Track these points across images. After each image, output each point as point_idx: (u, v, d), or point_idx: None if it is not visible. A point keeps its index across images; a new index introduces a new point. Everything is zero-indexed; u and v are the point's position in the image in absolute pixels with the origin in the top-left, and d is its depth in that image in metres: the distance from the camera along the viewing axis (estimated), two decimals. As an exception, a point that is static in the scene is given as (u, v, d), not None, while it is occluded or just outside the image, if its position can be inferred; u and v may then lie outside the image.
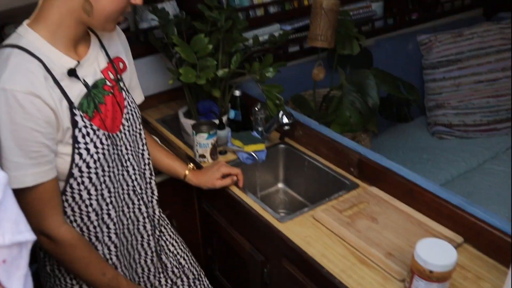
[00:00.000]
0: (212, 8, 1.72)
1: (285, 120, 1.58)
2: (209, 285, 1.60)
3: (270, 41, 1.86)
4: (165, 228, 1.46)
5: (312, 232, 1.32)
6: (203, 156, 1.64)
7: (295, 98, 1.94)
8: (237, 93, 1.75)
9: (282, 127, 1.61)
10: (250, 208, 1.43)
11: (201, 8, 1.72)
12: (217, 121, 1.70)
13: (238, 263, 1.63)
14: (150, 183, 1.35)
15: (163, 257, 1.43)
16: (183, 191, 1.72)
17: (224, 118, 1.76)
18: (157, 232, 1.40)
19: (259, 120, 1.70)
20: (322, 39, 1.76)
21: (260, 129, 1.70)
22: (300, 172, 1.69)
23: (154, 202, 1.37)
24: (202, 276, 1.57)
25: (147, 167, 1.32)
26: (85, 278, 1.19)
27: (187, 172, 1.51)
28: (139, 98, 1.39)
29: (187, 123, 1.74)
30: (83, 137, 1.08)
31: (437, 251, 1.04)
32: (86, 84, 1.11)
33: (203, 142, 1.61)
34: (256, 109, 1.69)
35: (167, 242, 1.46)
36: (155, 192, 1.37)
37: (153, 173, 1.34)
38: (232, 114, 1.77)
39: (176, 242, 1.48)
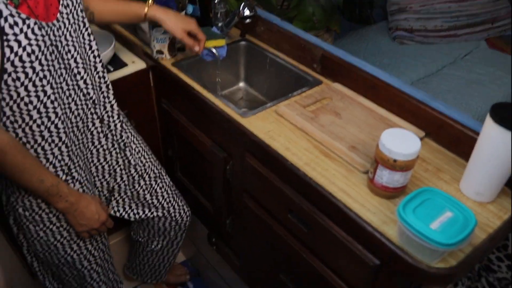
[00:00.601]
0: None
1: (247, 12, 1.51)
2: (170, 183, 1.58)
3: None
4: (125, 124, 1.40)
5: (275, 127, 1.29)
6: (160, 52, 1.56)
7: (256, -6, 1.85)
8: (196, -15, 1.64)
9: (244, 21, 1.54)
10: (212, 105, 1.38)
11: None
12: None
13: (200, 162, 1.61)
14: (104, 77, 1.27)
15: (128, 152, 1.39)
16: (140, 90, 1.65)
17: (182, 14, 1.65)
18: (118, 127, 1.34)
19: (218, 15, 1.62)
20: None
21: (220, 24, 1.61)
22: (262, 69, 1.64)
23: (111, 97, 1.30)
24: (163, 174, 1.55)
25: (97, 59, 1.23)
26: (22, 185, 1.12)
27: (146, 9, 1.38)
28: None
29: (142, 17, 1.62)
30: (11, 27, 0.96)
31: (401, 141, 1.04)
32: None
33: (160, 36, 1.52)
34: (216, 2, 1.60)
35: (129, 139, 1.41)
36: (110, 87, 1.29)
37: (104, 67, 1.26)
38: (190, 9, 1.67)
39: (136, 139, 1.43)
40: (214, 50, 1.53)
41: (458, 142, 1.20)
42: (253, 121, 1.31)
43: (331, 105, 1.36)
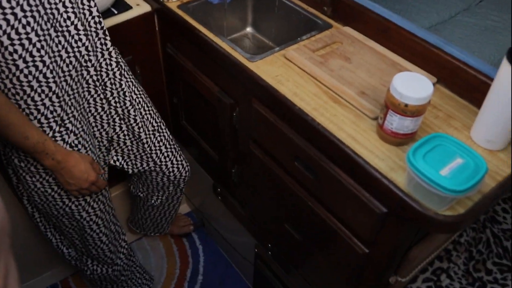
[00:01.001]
0: None
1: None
2: (170, 136, 1.56)
3: None
4: (127, 73, 1.37)
5: (283, 71, 1.26)
6: (165, -7, 1.50)
7: None
8: None
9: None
10: (218, 48, 1.34)
11: None
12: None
13: (206, 109, 1.58)
14: (100, 23, 1.22)
15: (128, 102, 1.36)
16: (145, 34, 1.61)
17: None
18: (117, 76, 1.31)
19: (226, -45, 1.55)
20: None
21: (227, -36, 1.55)
22: (270, 13, 1.59)
23: (108, 43, 1.26)
24: (163, 127, 1.52)
25: (92, 3, 1.18)
26: (8, 140, 1.10)
27: None
28: None
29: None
30: (8, 1, 0.94)
31: (413, 85, 1.01)
32: None
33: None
34: None
35: (130, 89, 1.38)
36: (107, 33, 1.25)
37: (99, 12, 1.21)
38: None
39: (137, 89, 1.41)
40: (220, -8, 1.49)
41: (471, 89, 1.17)
42: (261, 65, 1.28)
43: (341, 49, 1.33)
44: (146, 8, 1.56)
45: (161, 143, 1.52)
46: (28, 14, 0.99)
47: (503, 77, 0.96)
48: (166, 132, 1.54)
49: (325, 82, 1.22)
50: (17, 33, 0.99)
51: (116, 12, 1.53)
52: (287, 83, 1.22)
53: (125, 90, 1.35)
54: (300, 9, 1.49)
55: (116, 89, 1.33)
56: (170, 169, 1.59)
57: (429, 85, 1.00)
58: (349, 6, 1.38)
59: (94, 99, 1.30)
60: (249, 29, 1.69)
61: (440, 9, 2.19)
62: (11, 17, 0.97)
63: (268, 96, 1.22)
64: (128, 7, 1.55)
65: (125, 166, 1.53)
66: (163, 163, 1.56)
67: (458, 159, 0.94)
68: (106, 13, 1.51)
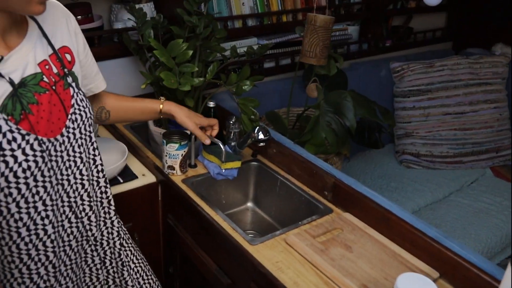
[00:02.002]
0: (192, 13, 1.65)
1: (261, 136, 1.52)
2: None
3: (248, 53, 1.79)
4: (126, 242, 1.35)
5: (284, 257, 1.25)
6: (172, 167, 1.55)
7: (269, 114, 1.88)
8: (211, 104, 1.67)
9: (257, 144, 1.55)
10: (219, 227, 1.34)
11: (180, 12, 1.65)
12: (189, 132, 1.61)
13: (202, 285, 1.53)
14: (106, 192, 1.22)
15: (125, 272, 1.32)
16: (148, 203, 1.62)
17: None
18: (117, 245, 1.29)
19: (232, 134, 1.63)
20: (310, 56, 1.72)
21: (232, 144, 1.63)
22: (272, 192, 1.63)
23: (112, 213, 1.26)
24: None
25: (100, 174, 1.19)
26: None
27: (161, 105, 1.42)
28: (102, 84, 1.30)
29: (157, 132, 1.65)
30: (9, 143, 0.92)
31: (418, 287, 0.99)
32: (11, 82, 0.95)
33: (173, 152, 1.53)
34: (231, 122, 1.62)
35: (129, 258, 1.35)
36: (112, 202, 1.25)
37: (107, 182, 1.22)
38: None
39: (136, 258, 1.38)
40: (226, 172, 1.54)
41: (474, 286, 1.15)
42: (261, 249, 1.27)
43: (342, 236, 1.33)
44: (151, 179, 1.60)
45: None
46: (40, 184, 0.99)
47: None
48: None
49: (326, 272, 1.20)
50: (27, 201, 0.97)
51: (121, 180, 1.56)
52: (288, 270, 1.20)
53: (123, 260, 1.31)
54: (301, 191, 1.53)
55: (115, 258, 1.29)
56: None
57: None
58: (349, 193, 1.41)
59: (90, 269, 1.25)
60: (250, 204, 1.71)
61: (433, 188, 2.26)
62: (23, 187, 0.95)
63: (268, 283, 1.19)
64: (134, 177, 1.59)
65: None
66: None
67: None
68: (112, 181, 1.53)
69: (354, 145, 2.17)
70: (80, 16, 1.68)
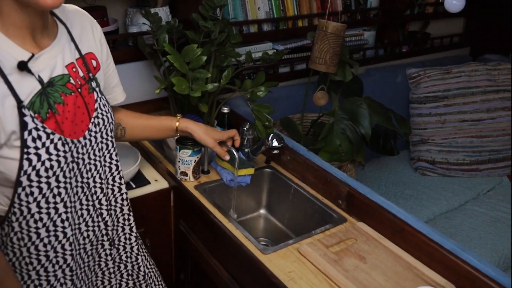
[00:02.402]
0: (207, 18, 1.65)
1: (275, 143, 1.50)
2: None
3: (263, 59, 1.78)
4: (140, 247, 1.35)
5: (297, 267, 1.23)
6: (184, 173, 1.54)
7: (283, 121, 1.86)
8: (225, 109, 1.67)
9: (271, 151, 1.53)
10: (231, 235, 1.33)
11: (195, 17, 1.64)
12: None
13: (213, 292, 1.53)
14: (127, 199, 1.23)
15: (141, 277, 1.32)
16: (160, 209, 1.62)
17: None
18: (134, 250, 1.29)
19: (245, 141, 1.62)
20: (320, 62, 1.70)
21: (246, 150, 1.61)
22: (285, 199, 1.61)
23: (131, 219, 1.26)
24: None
25: (122, 180, 1.20)
26: None
27: (177, 122, 1.41)
28: (121, 96, 1.30)
29: (170, 137, 1.64)
30: (34, 140, 0.93)
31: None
32: (40, 80, 0.97)
33: (186, 158, 1.52)
34: (245, 129, 1.61)
35: (143, 263, 1.35)
36: (131, 209, 1.26)
37: (124, 189, 1.22)
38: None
39: (149, 264, 1.37)
40: (239, 179, 1.52)
41: (492, 302, 1.13)
42: (274, 258, 1.26)
43: (356, 247, 1.31)
44: (163, 184, 1.59)
45: None
46: (61, 185, 0.99)
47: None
48: None
49: (340, 284, 1.18)
50: (47, 201, 0.98)
51: (134, 186, 1.56)
52: (300, 281, 1.19)
53: (140, 264, 1.32)
54: (315, 200, 1.51)
55: (131, 262, 1.30)
56: None
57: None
58: (364, 203, 1.39)
59: (103, 273, 1.26)
60: (262, 211, 1.70)
61: (449, 196, 2.23)
62: (44, 186, 0.95)
63: (280, 293, 1.17)
64: (146, 182, 1.58)
65: None
66: None
67: None
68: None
69: (368, 151, 2.14)
70: (95, 20, 1.67)
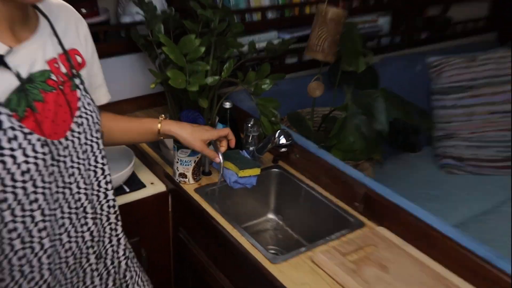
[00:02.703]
0: (206, 6, 1.53)
1: (283, 141, 1.38)
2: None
3: (268, 49, 1.65)
4: (131, 261, 1.23)
5: (311, 279, 1.11)
6: (183, 175, 1.43)
7: (291, 116, 1.73)
8: (228, 105, 1.54)
9: (278, 149, 1.40)
10: (236, 243, 1.21)
11: (193, 5, 1.53)
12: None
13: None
14: (114, 207, 1.11)
15: None
16: (157, 215, 1.50)
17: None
18: (122, 265, 1.17)
19: (250, 138, 1.50)
20: (317, 50, 1.60)
21: (251, 148, 1.49)
22: (295, 202, 1.48)
23: (119, 229, 1.14)
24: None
25: (109, 186, 1.09)
26: None
27: (159, 124, 1.28)
28: (104, 97, 1.21)
29: (168, 136, 1.52)
30: (9, 141, 0.86)
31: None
32: (18, 76, 0.89)
33: (185, 159, 1.40)
34: (249, 125, 1.48)
35: (133, 279, 1.23)
36: (119, 218, 1.13)
37: (115, 200, 1.11)
38: (219, 128, 1.55)
39: (141, 280, 1.25)
40: (243, 180, 1.39)
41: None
42: (285, 269, 1.14)
43: (376, 254, 1.17)
44: (160, 187, 1.48)
45: None
46: (39, 191, 0.91)
47: None
48: None
49: (359, 299, 1.03)
50: (23, 208, 0.89)
51: (128, 190, 1.44)
52: (315, 296, 1.05)
53: (128, 282, 1.21)
54: (328, 202, 1.38)
55: (119, 279, 1.19)
56: None
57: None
58: (383, 205, 1.26)
59: None
60: (271, 216, 1.57)
61: (480, 196, 2.06)
62: (20, 191, 0.88)
63: (291, 310, 1.03)
64: (141, 186, 1.47)
65: None
66: None
67: None
68: (117, 191, 1.41)
69: (387, 147, 1.99)
70: (84, 10, 1.58)
